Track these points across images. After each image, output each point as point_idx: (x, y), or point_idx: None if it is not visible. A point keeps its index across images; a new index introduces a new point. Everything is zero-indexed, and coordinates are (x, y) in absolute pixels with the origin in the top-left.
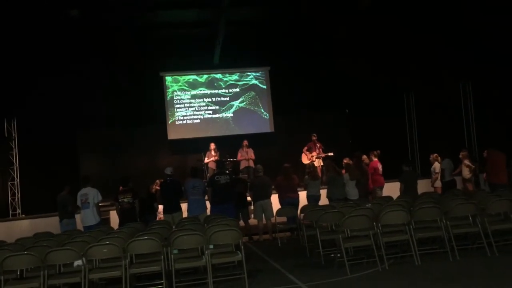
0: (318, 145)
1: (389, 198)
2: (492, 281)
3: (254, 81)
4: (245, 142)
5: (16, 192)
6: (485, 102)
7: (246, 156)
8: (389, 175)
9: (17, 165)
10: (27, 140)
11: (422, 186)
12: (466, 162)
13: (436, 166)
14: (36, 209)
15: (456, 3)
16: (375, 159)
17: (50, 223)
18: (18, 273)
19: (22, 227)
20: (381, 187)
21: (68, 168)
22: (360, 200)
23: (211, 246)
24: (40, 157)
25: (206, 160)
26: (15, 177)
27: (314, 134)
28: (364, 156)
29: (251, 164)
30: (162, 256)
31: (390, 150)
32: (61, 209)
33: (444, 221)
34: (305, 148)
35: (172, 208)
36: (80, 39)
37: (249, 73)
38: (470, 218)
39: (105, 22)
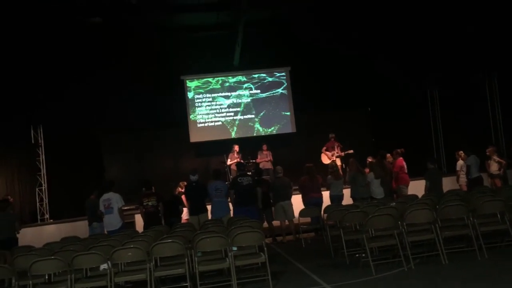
0: (336, 144)
1: (414, 196)
2: None
3: (274, 82)
4: (265, 146)
5: (44, 197)
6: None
7: (265, 158)
8: (413, 173)
9: (44, 171)
10: (54, 146)
11: (448, 183)
12: (495, 157)
13: (458, 163)
14: (64, 213)
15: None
16: (400, 158)
17: (77, 227)
18: (46, 277)
19: (50, 232)
20: (407, 185)
21: (93, 173)
22: (385, 199)
23: (235, 248)
24: (66, 163)
25: (229, 162)
26: (43, 183)
27: (333, 134)
28: (388, 155)
29: (271, 166)
30: (186, 259)
31: (415, 148)
32: (90, 213)
33: (471, 219)
34: (324, 148)
35: (198, 210)
36: (102, 44)
37: (269, 74)
38: (498, 216)
39: (126, 26)
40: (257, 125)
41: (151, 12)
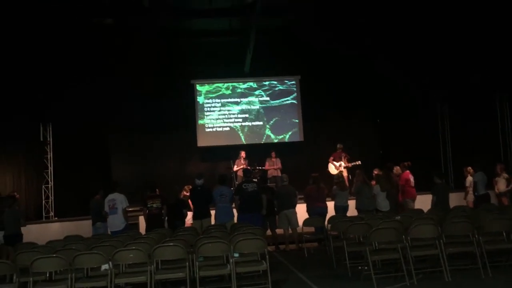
0: (343, 154)
1: (419, 211)
2: None
3: (285, 90)
4: (273, 153)
5: (49, 195)
6: None
7: (274, 165)
8: (421, 188)
9: (51, 169)
10: (62, 144)
11: (455, 199)
12: (505, 175)
13: (467, 180)
14: (68, 212)
15: (491, 12)
16: (407, 171)
17: (81, 226)
18: (47, 275)
19: (54, 229)
20: (413, 199)
21: (100, 172)
22: (390, 212)
23: (236, 255)
24: (73, 161)
25: (235, 168)
26: (49, 180)
27: (341, 145)
28: (397, 167)
29: (279, 173)
30: (187, 263)
31: (423, 162)
32: (94, 213)
33: (476, 236)
34: (331, 158)
35: (202, 214)
36: (113, 45)
37: (280, 82)
38: (504, 234)
39: (138, 29)
40: (267, 132)
41: (163, 16)
